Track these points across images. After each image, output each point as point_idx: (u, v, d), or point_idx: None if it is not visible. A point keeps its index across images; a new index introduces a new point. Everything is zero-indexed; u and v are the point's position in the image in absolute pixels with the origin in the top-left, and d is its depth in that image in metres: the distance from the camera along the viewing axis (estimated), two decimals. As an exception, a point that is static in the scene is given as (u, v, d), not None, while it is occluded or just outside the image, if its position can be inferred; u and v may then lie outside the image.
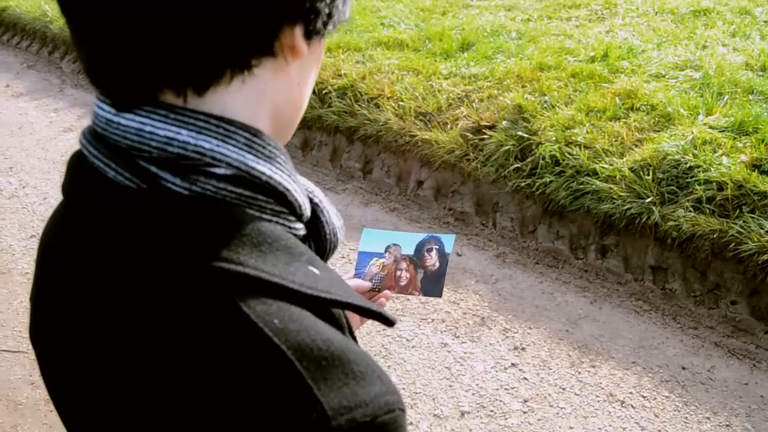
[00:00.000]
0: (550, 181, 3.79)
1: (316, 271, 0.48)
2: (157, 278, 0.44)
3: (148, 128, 0.47)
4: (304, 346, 0.42)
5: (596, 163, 3.72)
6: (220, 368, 0.41)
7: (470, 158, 4.18)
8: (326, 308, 0.48)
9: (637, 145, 3.80)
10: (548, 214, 3.82)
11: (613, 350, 3.03)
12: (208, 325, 0.42)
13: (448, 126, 4.41)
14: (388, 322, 0.52)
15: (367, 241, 1.09)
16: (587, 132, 3.96)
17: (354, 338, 0.57)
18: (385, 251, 1.08)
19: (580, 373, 2.90)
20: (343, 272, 3.42)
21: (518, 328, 3.17)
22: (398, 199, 4.39)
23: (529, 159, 3.96)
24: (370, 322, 2.71)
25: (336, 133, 4.91)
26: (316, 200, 0.59)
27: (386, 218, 4.16)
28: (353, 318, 0.95)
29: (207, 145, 0.48)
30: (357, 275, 1.07)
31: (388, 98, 4.80)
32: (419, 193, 4.35)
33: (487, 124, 4.28)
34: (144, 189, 0.47)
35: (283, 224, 0.51)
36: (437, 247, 1.08)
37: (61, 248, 0.51)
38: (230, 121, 0.49)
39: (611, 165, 3.68)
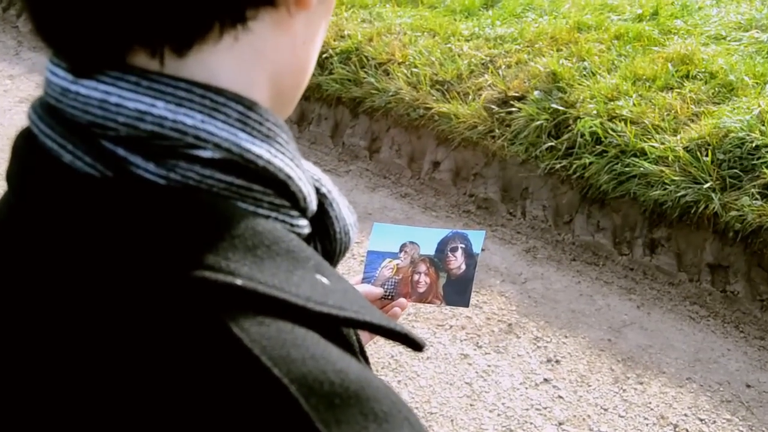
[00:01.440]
0: (590, 163, 3.76)
1: (325, 280, 0.46)
2: (124, 292, 0.42)
3: (113, 99, 0.45)
4: (312, 379, 0.40)
5: (645, 142, 3.67)
6: (205, 407, 0.39)
7: (495, 135, 4.15)
8: (336, 328, 0.46)
9: (693, 120, 3.75)
10: (587, 201, 3.79)
11: (663, 364, 3.00)
12: (190, 352, 0.40)
13: (470, 97, 4.39)
14: (416, 345, 0.50)
15: (377, 239, 1.09)
16: (634, 104, 3.91)
17: (367, 361, 0.56)
18: (400, 251, 1.07)
19: (625, 390, 2.87)
20: (345, 271, 3.44)
21: (551, 336, 3.15)
22: (410, 183, 4.37)
23: (565, 136, 3.93)
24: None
25: (338, 105, 4.88)
26: (323, 190, 0.57)
27: (396, 205, 4.14)
28: (362, 334, 0.95)
29: (189, 121, 0.46)
30: (366, 279, 1.06)
31: (399, 64, 4.77)
32: (435, 177, 4.33)
33: (516, 94, 4.25)
34: (109, 177, 0.45)
35: (283, 221, 0.50)
36: (463, 246, 1.07)
37: (4, 252, 0.48)
38: (219, 90, 0.47)
39: (662, 144, 3.64)
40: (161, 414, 0.39)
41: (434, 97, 4.45)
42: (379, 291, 1.05)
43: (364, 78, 4.77)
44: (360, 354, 0.51)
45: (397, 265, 1.07)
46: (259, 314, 0.41)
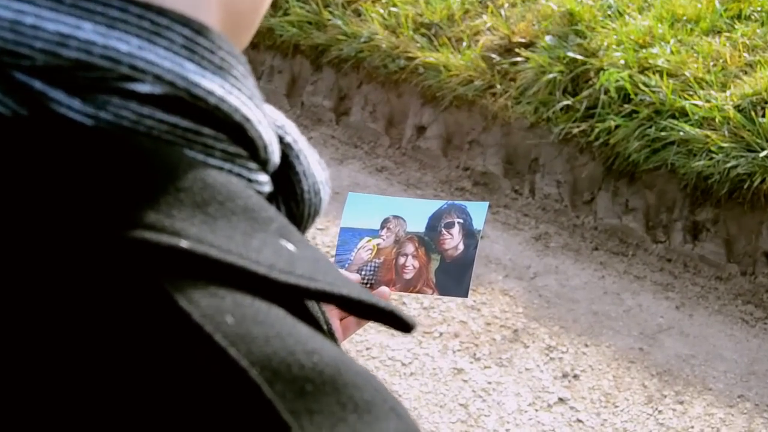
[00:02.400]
0: (617, 126, 3.75)
1: (290, 247, 0.48)
2: (44, 256, 0.42)
3: (29, 20, 0.46)
4: (277, 362, 0.42)
5: (685, 99, 3.68)
6: (149, 397, 0.40)
7: (496, 92, 4.14)
8: (303, 305, 0.49)
9: (746, 72, 3.76)
10: (613, 175, 3.79)
11: (709, 378, 3.00)
12: (128, 330, 0.41)
13: (464, 44, 4.38)
14: (405, 325, 0.51)
15: (353, 212, 1.12)
16: (672, 52, 3.91)
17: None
18: (382, 227, 1.11)
19: (660, 412, 2.87)
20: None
21: (568, 345, 3.15)
22: (388, 154, 4.36)
23: (585, 93, 3.93)
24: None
25: (295, 55, 4.87)
26: (288, 140, 0.60)
27: (370, 181, 4.13)
28: (335, 328, 0.99)
29: (124, 47, 0.46)
30: (338, 263, 1.10)
31: (373, 2, 4.75)
32: (420, 145, 4.31)
33: (522, 40, 4.25)
34: (23, 116, 0.46)
35: (239, 174, 0.51)
36: (461, 221, 1.10)
37: None
38: (160, 10, 0.48)
39: (708, 102, 3.64)
40: (100, 404, 0.40)
41: (418, 44, 4.43)
42: (355, 278, 1.06)
43: (329, 20, 4.74)
44: (330, 336, 0.55)
45: (378, 245, 1.10)
46: (211, 284, 0.43)
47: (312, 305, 0.52)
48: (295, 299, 0.47)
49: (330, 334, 0.57)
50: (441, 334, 3.21)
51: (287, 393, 0.41)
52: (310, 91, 4.78)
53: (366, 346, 3.14)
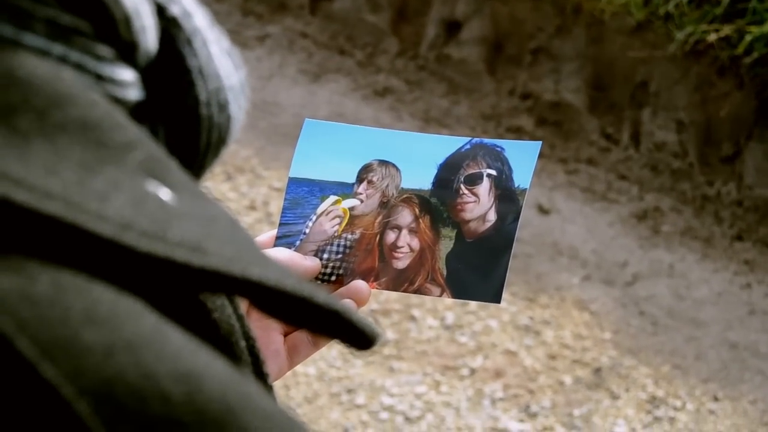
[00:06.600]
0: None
1: (165, 193, 0.51)
2: None
3: None
4: (124, 391, 0.44)
5: None
6: None
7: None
8: (188, 296, 0.54)
9: None
10: None
11: None
12: None
13: None
14: (361, 337, 0.55)
15: (311, 151, 1.16)
16: None
17: (262, 377, 0.65)
18: (359, 180, 1.15)
19: None
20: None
21: (686, 396, 3.17)
22: (397, 67, 4.42)
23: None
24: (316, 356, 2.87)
25: None
26: (175, 11, 0.62)
27: (365, 111, 4.20)
28: (266, 340, 1.02)
29: None
30: (283, 239, 1.13)
31: None
32: (451, 54, 4.37)
33: None
34: None
35: (79, 65, 0.54)
36: (493, 171, 1.12)
37: None
38: None
39: None
40: None
41: None
42: (311, 265, 1.10)
43: None
44: (251, 361, 0.61)
45: (352, 209, 1.13)
46: (17, 253, 0.45)
47: (215, 302, 0.57)
48: (175, 286, 0.50)
49: (252, 356, 0.61)
50: (473, 371, 3.24)
51: None
52: (266, -45, 4.82)
53: (347, 387, 3.18)
